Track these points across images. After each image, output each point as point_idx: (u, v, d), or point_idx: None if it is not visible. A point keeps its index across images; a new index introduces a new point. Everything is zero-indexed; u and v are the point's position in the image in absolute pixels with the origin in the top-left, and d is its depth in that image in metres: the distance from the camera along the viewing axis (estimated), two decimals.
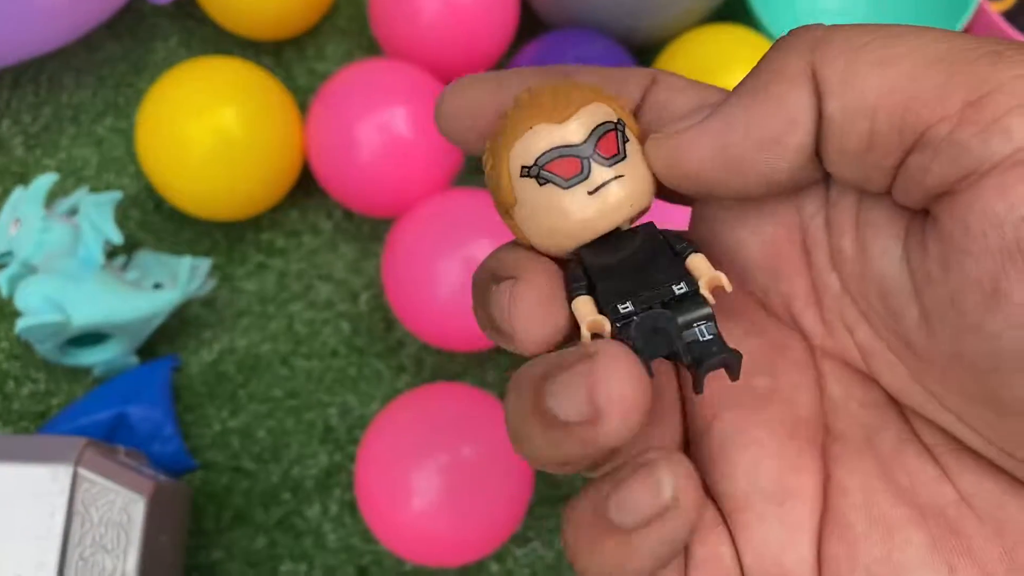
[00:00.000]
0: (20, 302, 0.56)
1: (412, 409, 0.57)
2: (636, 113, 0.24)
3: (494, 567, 0.61)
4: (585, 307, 0.21)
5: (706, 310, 0.20)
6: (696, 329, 0.20)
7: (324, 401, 0.64)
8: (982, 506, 0.21)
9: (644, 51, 0.70)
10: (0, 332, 0.64)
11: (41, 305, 0.56)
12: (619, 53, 0.65)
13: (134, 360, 0.62)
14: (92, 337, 0.61)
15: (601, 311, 0.20)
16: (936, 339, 0.20)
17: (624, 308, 0.20)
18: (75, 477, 0.47)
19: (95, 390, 0.61)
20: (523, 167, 0.21)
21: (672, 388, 0.25)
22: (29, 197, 0.62)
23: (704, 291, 0.20)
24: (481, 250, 0.59)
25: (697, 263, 0.21)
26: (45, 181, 0.61)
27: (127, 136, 0.69)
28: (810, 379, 0.23)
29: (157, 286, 0.61)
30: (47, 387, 0.63)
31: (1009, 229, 0.16)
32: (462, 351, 0.64)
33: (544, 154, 0.21)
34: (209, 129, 0.60)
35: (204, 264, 0.62)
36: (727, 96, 0.22)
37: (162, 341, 0.64)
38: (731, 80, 0.65)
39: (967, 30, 0.72)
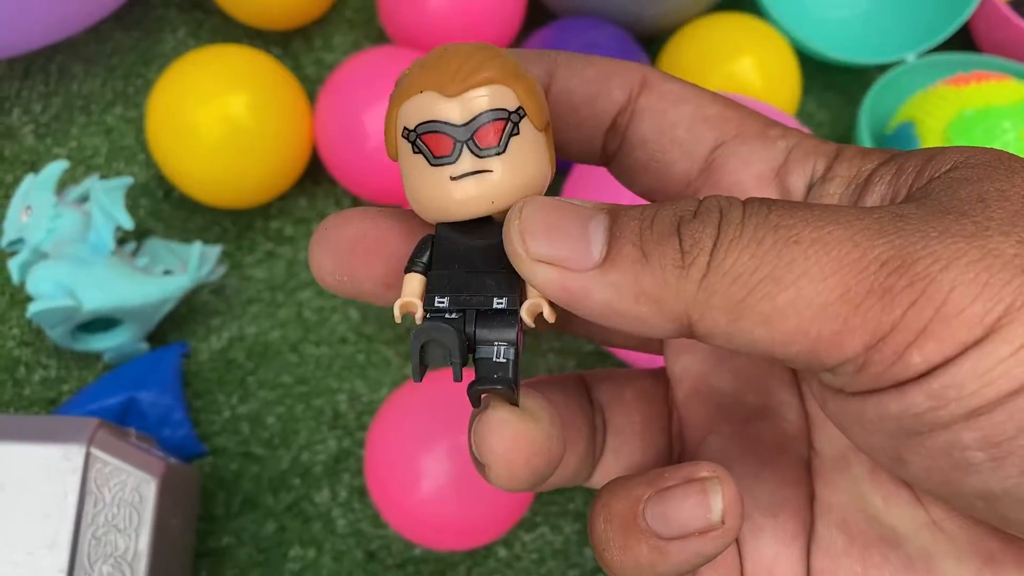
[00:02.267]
0: (32, 287, 0.56)
1: (420, 395, 0.57)
2: (625, 115, 0.23)
3: (502, 552, 0.61)
4: (410, 285, 0.21)
5: (510, 334, 0.20)
6: (495, 348, 0.20)
7: (333, 387, 0.64)
8: (952, 530, 0.21)
9: (650, 39, 0.71)
10: (12, 319, 0.64)
11: (52, 290, 0.56)
12: (626, 40, 0.65)
13: (144, 346, 0.63)
14: (103, 323, 0.61)
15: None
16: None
17: (440, 303, 0.20)
18: (88, 457, 0.47)
19: (106, 376, 0.61)
20: (404, 128, 0.20)
21: (662, 407, 0.26)
22: (40, 184, 0.62)
23: (523, 314, 0.20)
24: None
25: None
26: (56, 168, 0.62)
27: (136, 125, 0.70)
28: (795, 397, 0.24)
29: (167, 272, 0.62)
30: (58, 373, 0.63)
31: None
32: None
33: (423, 124, 0.20)
34: (218, 117, 0.61)
35: (214, 250, 0.62)
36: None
37: (172, 328, 0.64)
38: (736, 68, 0.65)
39: (974, 21, 0.72)
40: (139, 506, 0.48)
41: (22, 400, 0.62)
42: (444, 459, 0.54)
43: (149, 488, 0.48)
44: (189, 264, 0.60)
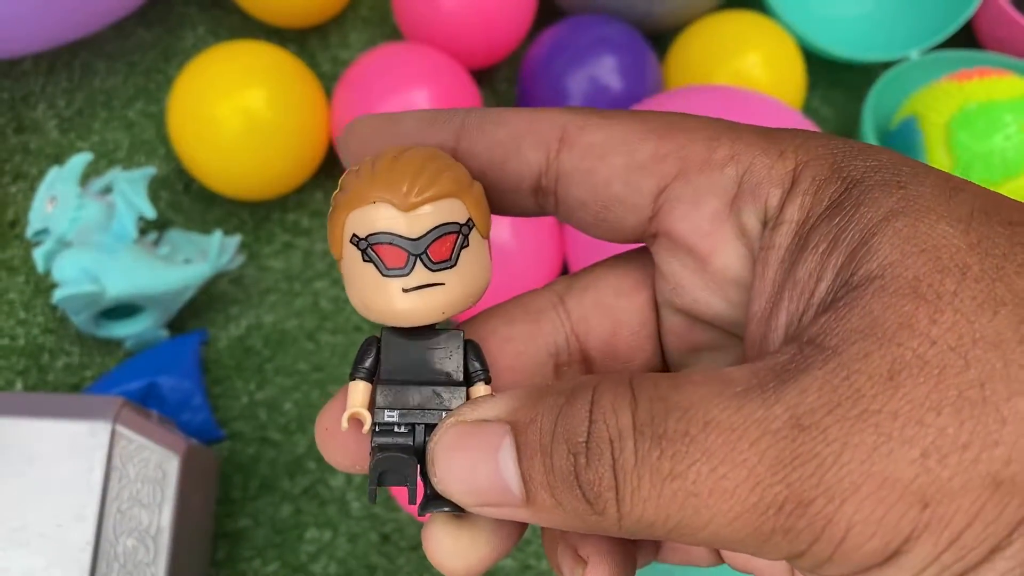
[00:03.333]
0: (57, 274, 0.58)
1: None
2: (550, 177, 0.22)
3: None
4: (356, 395, 0.21)
5: None
6: None
7: (347, 375, 0.66)
8: None
9: (659, 35, 0.72)
10: (36, 307, 0.66)
11: (77, 276, 0.58)
12: (634, 37, 0.66)
13: (164, 333, 0.64)
14: (125, 310, 0.63)
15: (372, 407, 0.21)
16: None
17: (390, 416, 0.21)
18: (113, 434, 0.49)
19: (127, 361, 0.63)
20: (354, 235, 0.20)
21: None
22: (64, 176, 0.64)
23: None
24: (504, 232, 0.61)
25: (478, 393, 0.21)
26: (80, 160, 0.64)
27: (157, 120, 0.72)
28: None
29: (187, 261, 0.63)
30: (81, 360, 0.65)
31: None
32: None
33: (376, 234, 0.20)
34: (238, 111, 0.62)
35: (233, 240, 0.64)
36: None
37: (191, 316, 0.66)
38: (743, 64, 0.67)
39: (977, 18, 0.74)
40: (162, 482, 0.50)
41: (46, 385, 0.64)
42: None
43: (172, 465, 0.50)
44: (209, 253, 0.62)
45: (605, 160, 0.21)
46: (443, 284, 0.20)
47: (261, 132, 0.63)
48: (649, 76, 0.66)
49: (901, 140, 0.67)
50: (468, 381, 0.21)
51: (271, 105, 0.63)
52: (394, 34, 0.76)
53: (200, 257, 0.64)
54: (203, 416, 0.62)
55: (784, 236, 0.20)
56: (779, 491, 0.16)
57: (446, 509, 0.20)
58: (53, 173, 0.64)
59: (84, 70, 0.73)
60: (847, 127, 0.75)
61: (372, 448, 0.21)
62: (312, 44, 0.75)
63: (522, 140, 0.22)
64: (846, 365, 0.16)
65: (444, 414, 0.20)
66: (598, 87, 0.65)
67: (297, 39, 0.75)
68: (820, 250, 0.18)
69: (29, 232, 0.66)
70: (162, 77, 0.73)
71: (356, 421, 0.21)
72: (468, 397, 0.21)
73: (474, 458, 0.19)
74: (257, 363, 0.66)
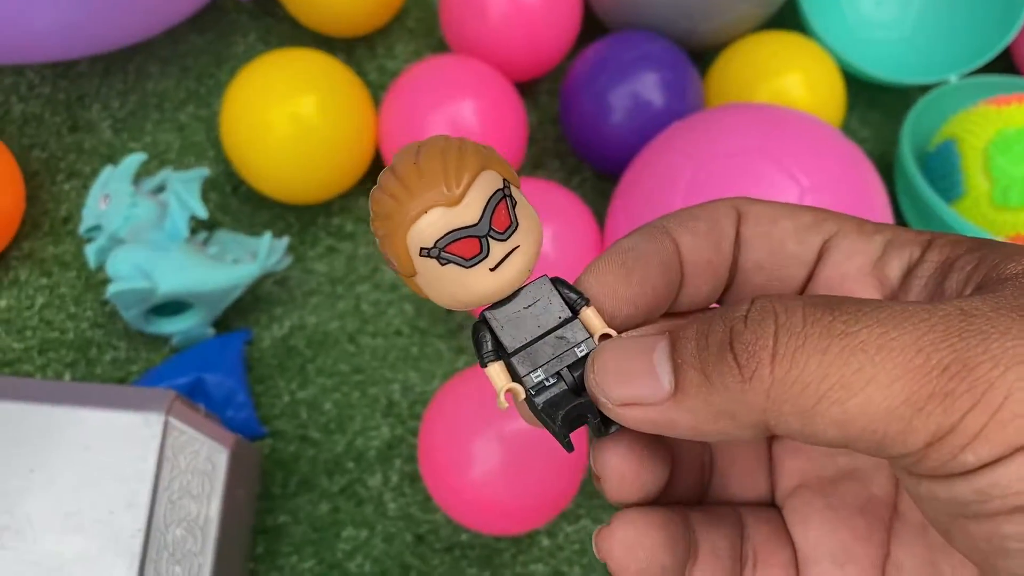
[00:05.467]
0: (110, 269, 0.60)
1: (472, 385, 0.60)
2: (736, 245, 0.24)
3: (545, 541, 0.64)
4: (498, 376, 0.23)
5: None
6: None
7: (387, 377, 0.67)
8: None
9: (700, 54, 0.73)
10: (86, 302, 0.68)
11: (130, 272, 0.60)
12: (678, 54, 0.68)
13: (210, 332, 0.66)
14: (173, 308, 0.64)
15: (515, 376, 0.23)
16: None
17: (537, 377, 0.22)
18: (166, 425, 0.50)
19: (174, 357, 0.65)
20: (422, 248, 0.21)
21: (763, 451, 0.28)
22: (118, 175, 0.66)
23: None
24: (545, 244, 0.62)
25: (589, 318, 0.23)
26: (134, 160, 0.65)
27: (208, 123, 0.73)
28: (886, 462, 0.25)
29: (235, 262, 0.65)
30: (127, 354, 0.66)
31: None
32: None
33: (443, 238, 0.21)
34: (289, 116, 0.64)
35: (282, 242, 0.65)
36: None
37: (236, 315, 0.68)
38: (783, 83, 0.68)
39: (1016, 44, 0.75)
40: (211, 474, 0.51)
41: (93, 378, 0.66)
42: (495, 447, 0.56)
43: (221, 458, 0.51)
44: (259, 253, 0.63)
45: (777, 224, 0.24)
46: (518, 246, 0.22)
47: (310, 138, 0.64)
48: (691, 93, 0.67)
49: (939, 162, 0.68)
50: (575, 313, 0.23)
51: (321, 111, 0.65)
52: (439, 46, 0.77)
53: (248, 258, 0.65)
54: (246, 413, 0.63)
55: (926, 270, 0.22)
56: (945, 355, 0.17)
57: (613, 429, 0.22)
58: (107, 172, 0.66)
59: (138, 73, 0.74)
60: (885, 148, 0.76)
61: (541, 407, 0.22)
62: (359, 53, 0.77)
63: (718, 221, 0.24)
64: (1006, 294, 0.18)
65: (577, 348, 0.22)
66: (640, 102, 0.66)
67: (345, 48, 0.76)
68: (966, 270, 0.21)
69: (82, 228, 0.68)
70: (213, 82, 0.75)
71: (511, 395, 0.23)
72: (585, 325, 0.23)
73: (630, 355, 0.21)
74: (299, 363, 0.67)
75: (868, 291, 0.23)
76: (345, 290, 0.69)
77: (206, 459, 0.51)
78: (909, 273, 0.22)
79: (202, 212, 0.62)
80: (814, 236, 0.24)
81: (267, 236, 0.64)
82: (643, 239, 0.24)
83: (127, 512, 0.48)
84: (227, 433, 0.52)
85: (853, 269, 0.23)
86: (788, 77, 0.68)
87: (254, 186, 0.67)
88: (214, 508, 0.51)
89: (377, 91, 0.75)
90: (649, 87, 0.66)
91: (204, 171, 0.62)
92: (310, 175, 0.66)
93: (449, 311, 0.69)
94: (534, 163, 0.72)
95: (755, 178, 0.54)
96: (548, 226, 0.62)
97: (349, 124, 0.66)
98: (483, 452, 0.57)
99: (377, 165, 0.70)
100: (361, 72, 0.76)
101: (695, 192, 0.56)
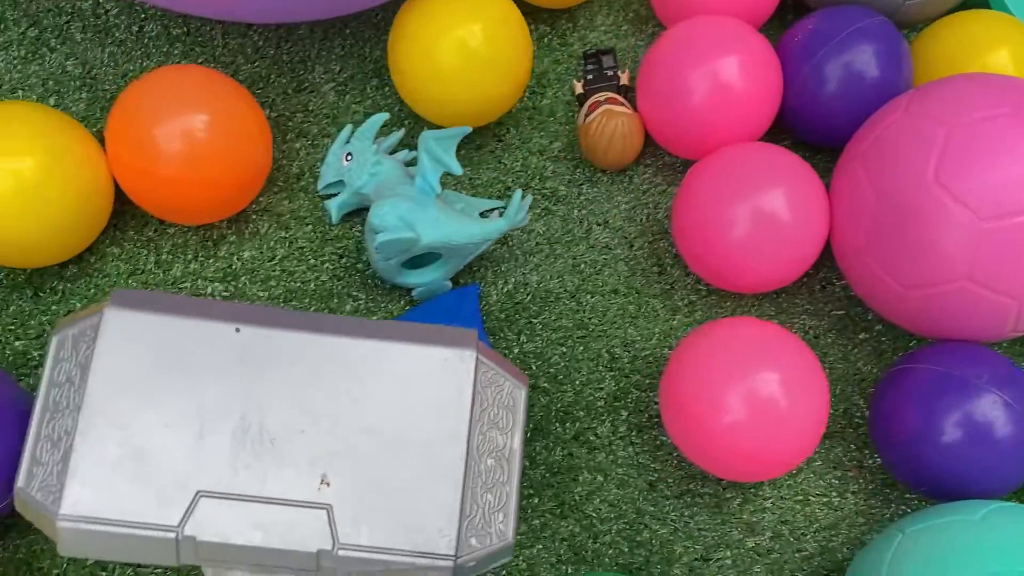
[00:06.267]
0: (378, 221, 0.62)
1: (714, 336, 0.62)
2: None
3: (768, 490, 0.67)
4: None
5: None
6: None
7: (608, 333, 0.70)
8: None
9: (905, 29, 0.76)
10: (324, 254, 0.70)
11: (396, 223, 0.62)
12: (892, 28, 0.70)
13: (448, 285, 0.69)
14: (414, 261, 0.67)
15: None
16: None
17: None
18: (477, 361, 0.53)
19: (416, 308, 0.68)
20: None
21: None
22: (361, 134, 0.69)
23: None
24: (771, 202, 0.65)
25: None
26: (376, 120, 0.69)
27: None
28: None
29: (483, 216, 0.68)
30: (368, 305, 0.69)
31: None
32: (747, 293, 0.70)
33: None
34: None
35: (528, 199, 0.68)
36: None
37: (464, 272, 0.71)
38: (992, 60, 0.70)
39: None
40: (512, 409, 0.54)
41: None
42: (742, 395, 0.59)
43: (520, 394, 0.54)
44: (508, 209, 0.66)
45: None
46: None
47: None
48: (905, 67, 0.70)
49: None
50: None
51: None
52: (636, 17, 0.80)
53: (494, 215, 0.68)
54: None
55: None
56: None
57: None
58: (348, 131, 0.69)
59: (355, 38, 0.77)
60: None
61: None
62: (562, 25, 0.79)
63: None
64: None
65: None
66: (853, 73, 0.69)
67: (548, 20, 0.79)
68: None
69: (320, 185, 0.71)
70: None
71: None
72: None
73: None
74: (525, 317, 0.70)
75: None
76: (563, 250, 0.72)
77: (508, 394, 0.54)
78: None
79: (457, 168, 0.64)
80: None
81: (518, 193, 0.67)
82: None
83: (448, 441, 0.51)
84: (521, 373, 0.55)
85: None
86: (997, 54, 0.71)
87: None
88: (516, 441, 0.53)
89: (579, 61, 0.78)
90: (865, 60, 0.69)
91: (466, 128, 0.64)
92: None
93: (661, 271, 0.72)
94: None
95: (1014, 139, 0.57)
96: (779, 188, 0.65)
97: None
98: (732, 400, 0.59)
99: None
100: (565, 43, 0.79)
101: (949, 156, 0.58)
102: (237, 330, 0.52)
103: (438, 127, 0.70)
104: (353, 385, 0.52)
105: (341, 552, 0.49)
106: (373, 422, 0.51)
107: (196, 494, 0.49)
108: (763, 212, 0.65)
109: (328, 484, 0.50)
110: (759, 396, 0.59)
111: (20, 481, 0.49)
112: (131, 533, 0.48)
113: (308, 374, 0.51)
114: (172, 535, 0.48)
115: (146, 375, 0.51)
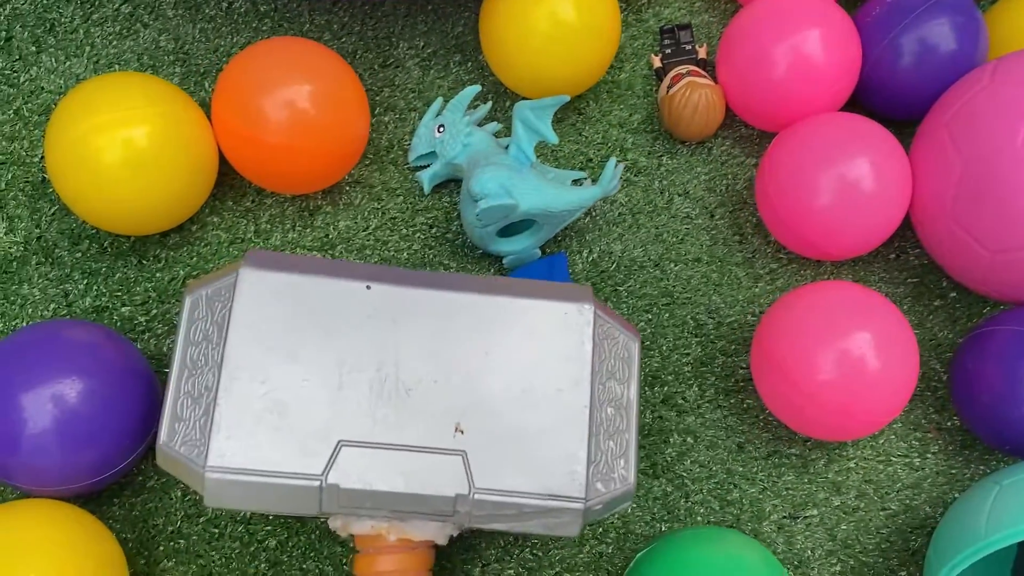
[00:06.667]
0: (478, 187, 0.64)
1: (807, 298, 0.64)
2: None
3: (851, 451, 0.68)
4: None
5: None
6: None
7: (693, 300, 0.72)
8: None
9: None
10: (416, 224, 0.72)
11: (497, 190, 0.64)
12: (966, 1, 0.72)
13: (537, 253, 0.71)
14: (509, 230, 0.69)
15: None
16: None
17: None
18: (595, 314, 0.55)
19: (514, 272, 0.70)
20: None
21: None
22: (453, 106, 0.70)
23: None
24: (857, 170, 0.67)
25: None
26: (468, 92, 0.70)
27: None
28: None
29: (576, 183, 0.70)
30: (458, 271, 0.71)
31: None
32: (829, 260, 0.72)
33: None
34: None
35: (620, 167, 0.70)
36: None
37: (550, 243, 0.72)
38: None
39: None
40: (628, 361, 0.56)
41: None
42: (834, 354, 0.61)
43: (634, 347, 0.56)
44: (602, 177, 0.68)
45: None
46: None
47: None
48: (982, 39, 0.72)
49: None
50: None
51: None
52: None
53: (587, 183, 0.70)
54: None
55: None
56: None
57: None
58: (439, 103, 0.71)
59: (437, 15, 0.79)
60: None
61: None
62: (637, 0, 0.81)
63: None
64: None
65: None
66: (930, 47, 0.71)
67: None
68: None
69: (412, 156, 0.73)
70: None
71: None
72: None
73: None
74: (611, 285, 0.72)
75: None
76: (646, 220, 0.74)
77: (623, 347, 0.56)
78: None
79: (553, 137, 0.66)
80: None
81: (611, 161, 0.68)
82: None
83: (574, 390, 0.53)
84: (633, 326, 0.57)
85: None
86: None
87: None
88: (632, 391, 0.55)
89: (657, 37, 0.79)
90: (944, 33, 0.71)
91: (564, 97, 0.66)
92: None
93: (742, 240, 0.74)
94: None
95: None
96: (865, 156, 0.66)
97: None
98: (827, 360, 0.61)
99: None
100: (640, 19, 0.80)
101: None
102: (368, 287, 0.54)
103: (525, 100, 0.71)
104: (481, 338, 0.54)
105: (477, 496, 0.51)
106: (501, 373, 0.53)
107: (338, 444, 0.51)
108: (849, 180, 0.66)
109: (462, 432, 0.52)
110: (852, 356, 0.61)
111: (163, 437, 0.51)
112: (276, 483, 0.50)
113: (438, 328, 0.53)
114: (316, 483, 0.50)
115: (282, 332, 0.52)
